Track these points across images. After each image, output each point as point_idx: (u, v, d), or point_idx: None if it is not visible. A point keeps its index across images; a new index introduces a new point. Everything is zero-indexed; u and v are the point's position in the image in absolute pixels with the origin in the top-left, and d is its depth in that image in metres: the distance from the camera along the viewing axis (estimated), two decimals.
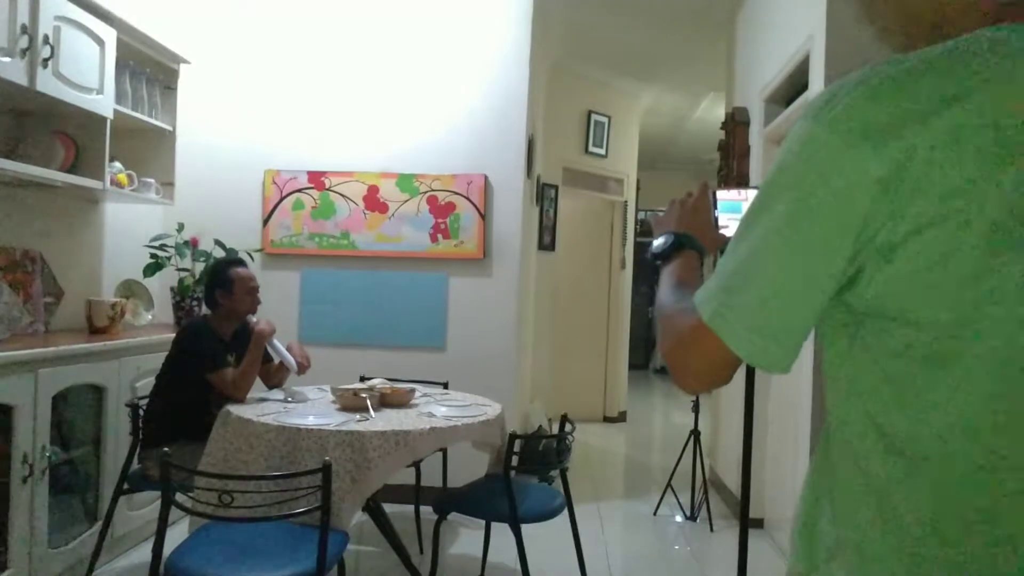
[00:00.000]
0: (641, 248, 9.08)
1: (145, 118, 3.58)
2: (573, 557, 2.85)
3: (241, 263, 3.05)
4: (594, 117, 6.45)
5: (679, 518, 4.09)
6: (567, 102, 6.16)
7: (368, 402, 2.63)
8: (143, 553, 3.14)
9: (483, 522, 3.03)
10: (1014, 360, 0.65)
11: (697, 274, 0.96)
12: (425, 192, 4.06)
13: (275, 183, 4.13)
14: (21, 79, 2.67)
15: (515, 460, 2.62)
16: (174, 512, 2.08)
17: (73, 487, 2.97)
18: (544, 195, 5.76)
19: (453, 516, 2.78)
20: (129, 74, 3.49)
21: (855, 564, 0.72)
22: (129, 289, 3.77)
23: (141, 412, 2.87)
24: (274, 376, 3.08)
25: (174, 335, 2.97)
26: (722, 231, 1.03)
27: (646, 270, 10.59)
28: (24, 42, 2.66)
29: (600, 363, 6.99)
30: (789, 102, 3.60)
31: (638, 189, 7.40)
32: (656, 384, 10.00)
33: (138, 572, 3.02)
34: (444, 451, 3.33)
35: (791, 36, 3.43)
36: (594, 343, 6.99)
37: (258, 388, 2.92)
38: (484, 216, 4.05)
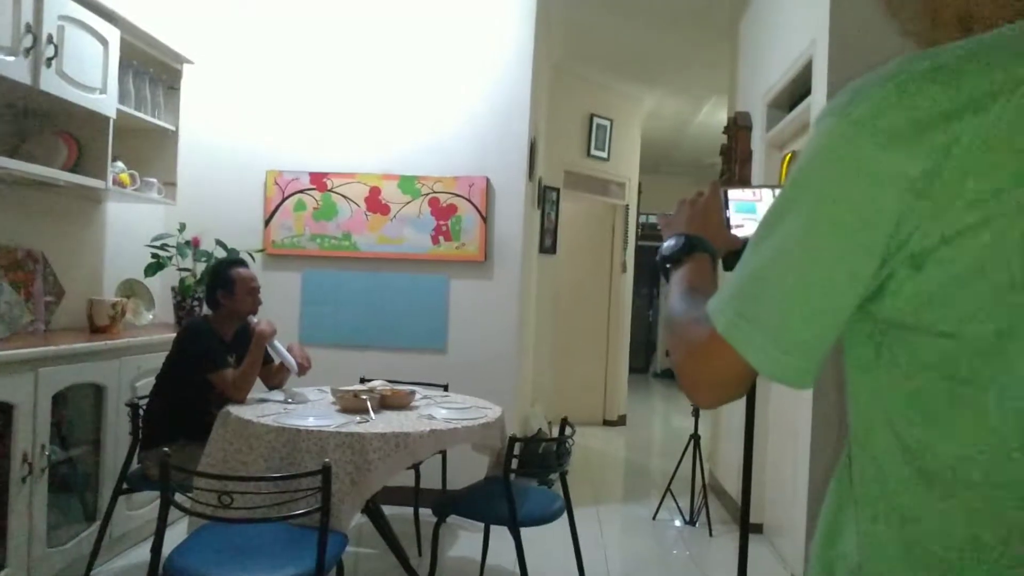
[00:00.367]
0: (642, 252, 9.09)
1: (148, 118, 3.59)
2: (572, 561, 2.84)
3: (242, 263, 3.05)
4: (596, 120, 6.45)
5: (678, 522, 4.08)
6: (569, 105, 6.17)
7: (368, 404, 2.62)
8: (142, 553, 3.14)
9: (482, 525, 3.03)
10: None
11: (710, 279, 0.90)
12: (427, 194, 4.06)
13: (277, 184, 4.13)
14: (25, 78, 2.67)
15: (515, 463, 2.61)
16: (173, 512, 2.08)
17: (72, 486, 2.97)
18: (546, 198, 5.76)
19: (452, 518, 2.78)
20: (132, 74, 3.50)
21: None
22: (130, 289, 3.77)
23: (141, 412, 2.87)
24: (274, 377, 3.08)
25: (175, 335, 2.97)
26: (735, 231, 1.01)
27: (647, 273, 10.61)
28: (28, 41, 2.66)
29: (600, 366, 6.98)
30: (792, 107, 3.60)
31: (640, 193, 7.41)
32: (656, 388, 10.00)
33: (136, 572, 3.02)
34: (444, 453, 3.32)
35: (794, 40, 3.43)
36: (594, 346, 6.98)
37: (258, 389, 2.92)
38: (486, 218, 4.05)
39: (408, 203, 4.07)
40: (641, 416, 7.61)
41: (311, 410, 2.66)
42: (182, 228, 3.91)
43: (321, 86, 4.16)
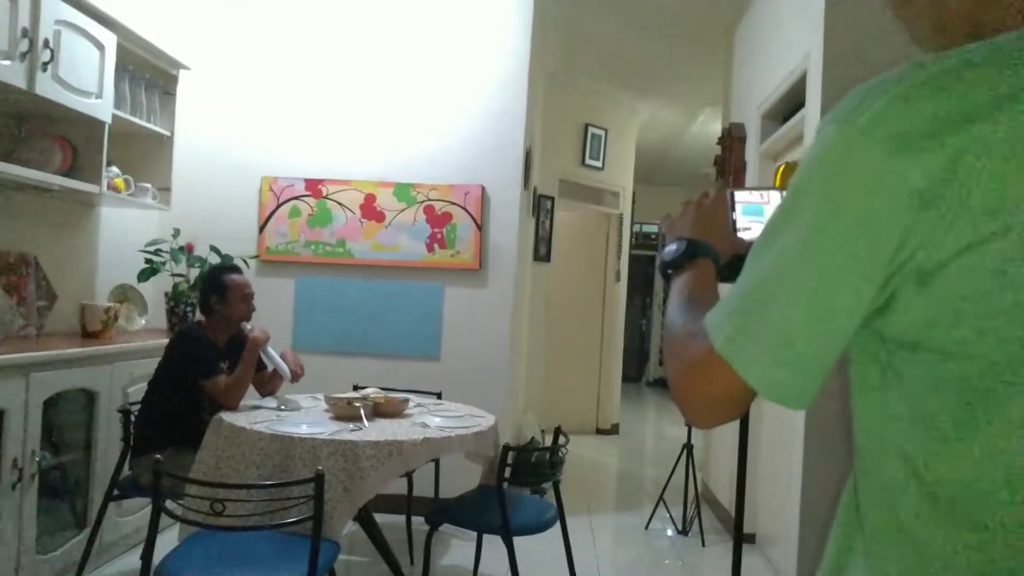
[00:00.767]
0: (636, 261, 9.11)
1: (143, 123, 3.58)
2: (565, 569, 2.84)
3: (236, 270, 3.04)
4: (591, 130, 6.48)
5: (671, 532, 4.08)
6: (565, 114, 6.19)
7: (361, 411, 2.62)
8: (132, 560, 3.12)
9: (475, 533, 3.02)
10: None
11: (712, 288, 0.86)
12: (422, 202, 4.07)
13: (272, 190, 4.13)
14: (20, 82, 2.66)
15: (508, 472, 2.61)
16: (164, 519, 2.07)
17: (63, 492, 2.95)
18: (540, 206, 5.77)
19: (445, 527, 2.77)
20: (128, 79, 3.50)
21: None
22: (123, 294, 3.76)
23: (133, 418, 2.86)
24: (267, 384, 3.07)
25: (167, 341, 2.96)
26: (742, 234, 0.97)
27: (641, 282, 10.63)
28: (24, 45, 2.66)
29: (594, 375, 6.98)
30: (786, 119, 3.63)
31: (634, 202, 7.43)
32: (649, 397, 10.00)
33: None
34: (437, 462, 3.31)
35: (789, 53, 3.45)
36: (588, 355, 6.98)
37: (251, 396, 2.91)
38: (480, 227, 4.05)
39: (403, 211, 4.07)
40: (634, 425, 7.61)
41: (304, 417, 2.66)
42: (176, 233, 3.90)
43: (317, 93, 4.16)
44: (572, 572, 2.84)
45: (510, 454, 2.62)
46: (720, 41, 4.99)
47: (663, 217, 1.01)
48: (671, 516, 4.12)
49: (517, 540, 2.56)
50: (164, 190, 3.77)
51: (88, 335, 3.25)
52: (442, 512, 2.73)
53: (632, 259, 7.64)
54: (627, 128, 7.03)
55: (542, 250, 5.97)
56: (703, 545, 3.89)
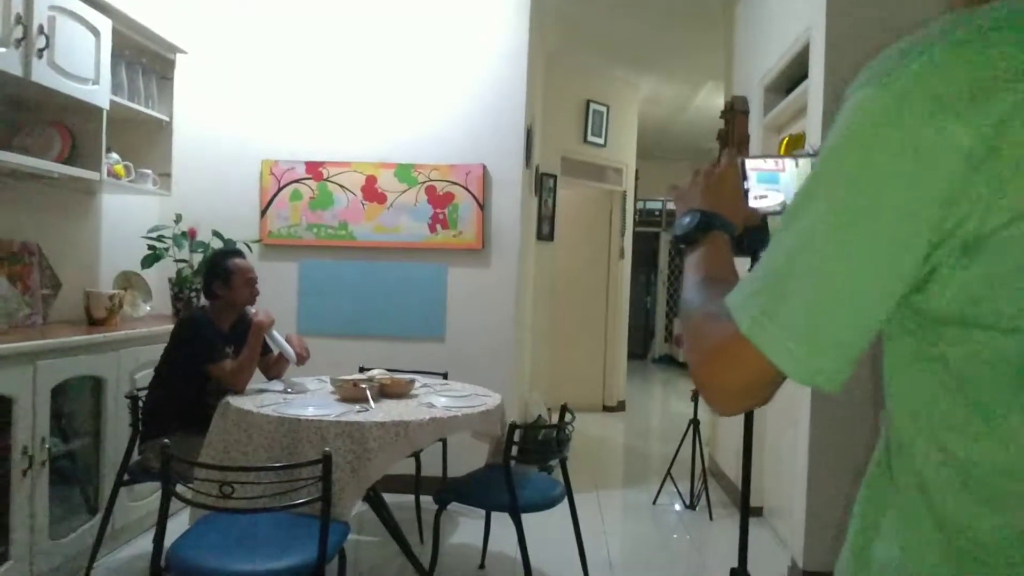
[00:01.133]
0: (640, 238, 9.07)
1: (142, 109, 3.56)
2: (573, 546, 2.86)
3: (239, 254, 3.04)
4: (592, 106, 6.43)
5: (678, 507, 4.10)
6: (565, 91, 6.14)
7: (368, 393, 2.63)
8: (144, 544, 3.15)
9: (483, 512, 3.04)
10: None
11: (728, 264, 0.82)
12: (424, 182, 4.05)
13: (273, 174, 4.11)
14: (16, 69, 2.65)
15: (515, 450, 2.62)
16: (175, 503, 2.08)
17: (73, 479, 2.98)
18: (543, 185, 5.74)
19: (453, 506, 2.78)
20: (125, 64, 3.47)
21: None
22: (127, 280, 3.76)
23: (140, 404, 2.87)
24: (273, 367, 3.08)
25: (172, 326, 2.96)
26: (758, 202, 0.92)
27: (645, 259, 10.60)
28: (19, 32, 2.64)
29: (599, 352, 6.99)
30: (789, 91, 3.59)
31: (637, 179, 7.39)
32: (655, 373, 10.02)
33: (139, 563, 3.03)
34: (444, 441, 3.33)
35: (791, 24, 3.41)
36: (593, 333, 6.99)
37: (258, 379, 2.92)
38: (483, 206, 4.04)
39: (405, 191, 4.06)
40: (640, 402, 7.63)
41: (311, 400, 2.67)
42: (178, 219, 3.90)
43: (316, 75, 4.13)
44: (580, 548, 2.86)
45: (517, 432, 2.63)
46: (721, 14, 4.93)
47: (670, 187, 0.97)
48: (678, 491, 4.14)
49: (525, 517, 2.57)
50: (165, 176, 3.76)
51: (93, 322, 3.26)
52: (450, 491, 2.75)
53: (636, 236, 7.62)
54: (629, 104, 6.98)
55: (545, 229, 5.96)
56: (711, 519, 3.91)
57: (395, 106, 4.11)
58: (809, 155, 0.90)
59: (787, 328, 0.60)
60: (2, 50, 2.58)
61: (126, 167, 3.46)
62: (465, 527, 3.59)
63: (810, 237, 0.60)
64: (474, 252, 4.07)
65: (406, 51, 4.10)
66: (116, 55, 3.31)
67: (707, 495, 4.04)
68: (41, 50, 2.74)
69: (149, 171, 3.64)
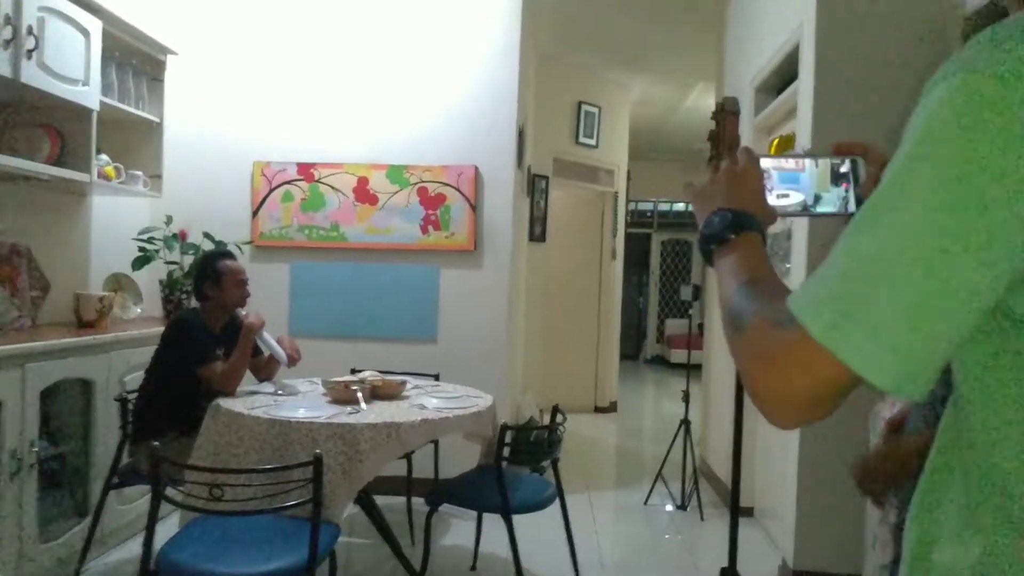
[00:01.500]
0: (632, 239, 9.08)
1: (132, 110, 3.55)
2: (564, 547, 2.86)
3: (230, 256, 3.03)
4: (584, 107, 6.44)
5: (670, 507, 4.11)
6: (557, 92, 6.15)
7: (359, 394, 2.62)
8: (134, 547, 3.14)
9: (475, 513, 3.04)
10: None
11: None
12: (415, 183, 4.05)
13: (264, 175, 4.10)
14: (5, 70, 2.63)
15: (506, 451, 2.62)
16: (165, 506, 2.07)
17: (62, 482, 2.96)
18: (535, 186, 5.75)
19: (445, 507, 2.78)
20: (115, 65, 3.46)
21: None
22: (117, 282, 3.75)
23: (130, 406, 2.86)
24: (264, 369, 3.07)
25: (163, 329, 2.95)
26: (780, 200, 0.89)
27: (637, 260, 10.63)
28: (8, 33, 2.62)
29: (591, 353, 7.00)
30: (779, 91, 3.61)
31: (629, 180, 7.41)
32: (647, 374, 10.04)
33: (128, 567, 3.01)
34: (435, 443, 3.33)
35: (781, 25, 3.43)
36: (585, 334, 7.00)
37: (248, 381, 2.91)
38: (475, 207, 4.04)
39: (396, 193, 4.06)
40: (632, 403, 7.64)
41: (302, 401, 2.66)
42: (169, 221, 3.88)
43: (307, 76, 4.13)
44: (572, 549, 2.86)
45: (508, 433, 2.63)
46: (713, 15, 4.95)
47: (686, 185, 0.92)
48: (669, 491, 4.15)
49: (517, 518, 2.57)
50: (155, 177, 3.75)
51: (83, 325, 3.24)
52: (442, 492, 2.74)
53: (628, 237, 7.64)
54: (620, 105, 6.99)
55: (537, 230, 5.96)
56: (702, 519, 3.92)
57: (386, 107, 4.10)
58: (828, 155, 0.88)
59: (873, 333, 0.56)
60: None
61: (116, 168, 3.44)
62: (457, 528, 3.59)
63: (898, 237, 0.56)
64: (466, 253, 4.07)
65: (397, 52, 4.10)
66: (106, 56, 3.30)
67: (698, 495, 4.05)
68: (30, 51, 2.73)
69: (139, 173, 3.63)
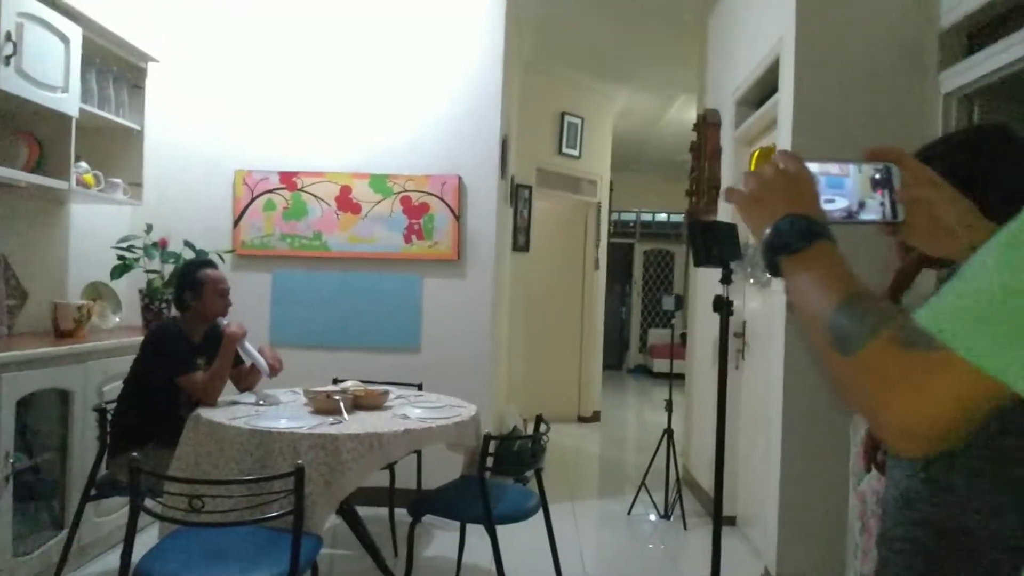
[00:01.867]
0: (615, 249, 9.11)
1: (112, 117, 3.52)
2: (548, 557, 2.85)
3: (211, 265, 3.01)
4: (567, 118, 6.47)
5: (653, 517, 4.11)
6: (541, 103, 6.18)
7: (341, 405, 2.61)
8: (111, 560, 3.09)
9: (458, 524, 3.03)
10: None
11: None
12: (399, 192, 4.04)
13: (246, 183, 4.08)
14: None
15: (490, 461, 2.62)
16: (143, 518, 2.05)
17: (38, 494, 2.91)
18: (518, 196, 5.76)
19: (428, 518, 2.77)
20: (95, 72, 3.43)
21: None
22: (96, 291, 3.70)
23: (109, 417, 2.82)
24: (245, 379, 3.04)
25: (142, 338, 2.92)
26: (826, 206, 0.84)
27: (620, 270, 10.66)
28: None
29: (574, 363, 7.01)
30: (760, 104, 3.65)
31: (611, 190, 7.45)
32: (630, 384, 10.06)
33: None
34: (418, 453, 3.31)
35: (762, 39, 3.47)
36: (568, 344, 7.01)
37: (229, 391, 2.88)
38: (458, 217, 4.04)
39: (379, 202, 4.05)
40: (615, 412, 7.65)
41: (283, 412, 2.64)
42: (149, 229, 3.85)
43: (289, 84, 4.12)
44: (555, 559, 2.85)
45: (492, 443, 2.62)
46: (694, 28, 5.00)
47: (727, 190, 0.86)
48: (653, 501, 4.16)
49: (500, 529, 2.56)
50: (135, 185, 3.72)
51: (61, 334, 3.20)
52: (424, 503, 2.73)
53: (611, 247, 7.67)
54: (603, 116, 7.04)
55: (520, 240, 5.97)
56: (685, 528, 3.93)
57: (370, 116, 4.10)
58: (863, 161, 0.85)
59: None
60: None
61: (96, 176, 3.41)
62: (440, 539, 3.57)
63: None
64: (449, 263, 4.06)
65: (381, 61, 4.10)
66: (86, 63, 3.27)
67: (681, 505, 4.06)
68: (9, 57, 2.70)
69: (119, 180, 3.59)
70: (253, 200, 4.08)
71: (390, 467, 3.26)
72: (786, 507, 2.99)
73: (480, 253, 4.08)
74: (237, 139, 4.12)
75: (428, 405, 2.88)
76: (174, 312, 3.05)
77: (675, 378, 4.51)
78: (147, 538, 2.48)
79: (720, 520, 2.54)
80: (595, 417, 7.04)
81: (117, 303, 3.80)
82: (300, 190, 4.06)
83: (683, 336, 5.41)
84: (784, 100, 3.09)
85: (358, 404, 2.73)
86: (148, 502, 2.04)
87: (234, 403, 2.76)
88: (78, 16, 3.16)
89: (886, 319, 0.61)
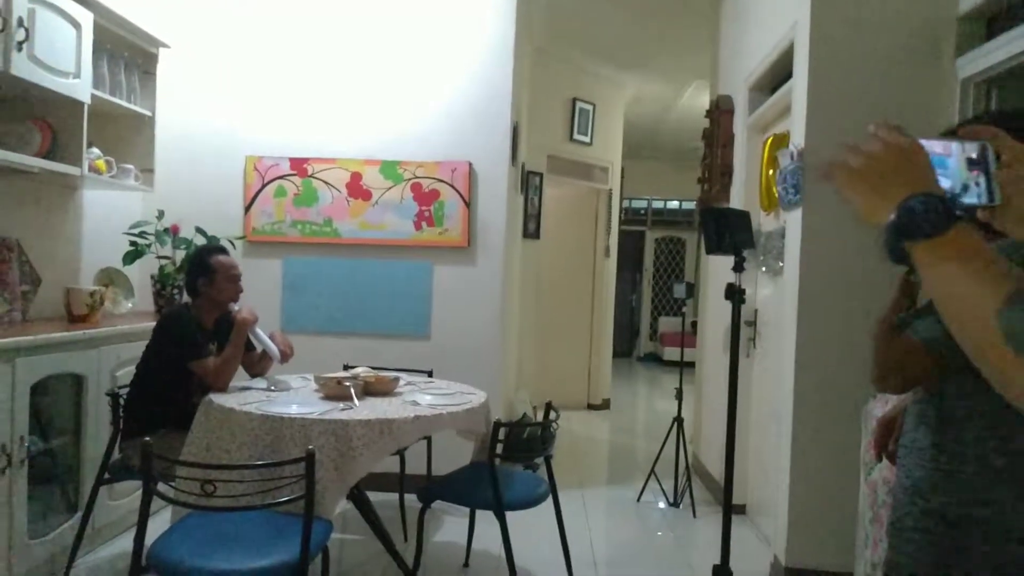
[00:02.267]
0: (626, 236, 9.08)
1: (123, 103, 3.53)
2: (557, 544, 2.86)
3: (223, 251, 3.01)
4: (579, 104, 6.43)
5: (662, 504, 4.12)
6: (552, 89, 6.14)
7: (352, 391, 2.61)
8: (125, 543, 3.12)
9: (468, 510, 3.04)
10: None
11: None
12: (409, 179, 4.04)
13: (257, 170, 4.08)
14: None
15: (500, 448, 2.62)
16: (156, 501, 2.06)
17: (53, 477, 2.94)
18: (529, 183, 5.74)
19: (438, 504, 2.78)
20: (107, 58, 3.43)
21: None
22: (108, 277, 3.73)
23: (122, 401, 2.84)
24: (257, 365, 3.06)
25: (155, 324, 2.94)
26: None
27: (630, 258, 10.63)
28: None
29: (584, 351, 7.01)
30: (773, 90, 3.61)
31: (623, 177, 7.41)
32: (640, 372, 10.05)
33: (120, 562, 3.00)
34: (428, 439, 3.32)
35: (775, 24, 3.43)
36: (578, 331, 7.00)
37: (240, 377, 2.90)
38: (469, 204, 4.03)
39: (390, 188, 4.04)
40: (625, 400, 7.65)
41: (294, 397, 2.65)
42: (161, 215, 3.86)
43: (300, 70, 4.11)
44: (565, 546, 2.86)
45: (501, 430, 2.63)
46: (707, 14, 4.95)
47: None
48: (662, 489, 4.16)
49: (510, 515, 2.57)
50: (147, 171, 3.73)
51: (74, 319, 3.22)
52: (435, 489, 2.74)
53: (622, 234, 7.64)
54: (615, 102, 6.99)
55: (531, 227, 5.95)
56: (694, 516, 3.93)
57: (381, 102, 4.09)
58: (973, 141, 0.79)
59: None
60: None
61: (108, 162, 3.42)
62: (449, 525, 3.59)
63: None
64: (460, 250, 4.06)
65: (392, 47, 4.09)
66: (98, 49, 3.27)
67: (691, 493, 4.06)
68: (21, 43, 2.71)
69: (131, 166, 3.60)
70: (264, 186, 4.08)
71: (400, 453, 3.27)
72: (796, 496, 2.98)
73: (490, 240, 4.07)
74: (248, 125, 4.12)
75: (438, 392, 2.89)
76: (186, 298, 3.06)
77: (685, 366, 4.49)
78: (160, 521, 2.51)
79: (730, 508, 2.54)
80: (605, 405, 7.04)
81: (129, 289, 3.83)
82: (311, 176, 4.06)
83: (694, 324, 5.39)
84: (799, 86, 3.05)
85: (368, 390, 2.74)
86: (161, 486, 2.05)
87: (245, 389, 2.77)
88: (89, 2, 3.16)
89: None
